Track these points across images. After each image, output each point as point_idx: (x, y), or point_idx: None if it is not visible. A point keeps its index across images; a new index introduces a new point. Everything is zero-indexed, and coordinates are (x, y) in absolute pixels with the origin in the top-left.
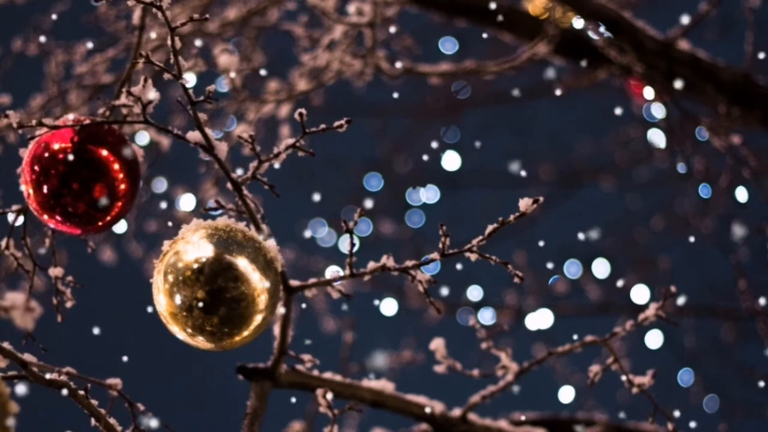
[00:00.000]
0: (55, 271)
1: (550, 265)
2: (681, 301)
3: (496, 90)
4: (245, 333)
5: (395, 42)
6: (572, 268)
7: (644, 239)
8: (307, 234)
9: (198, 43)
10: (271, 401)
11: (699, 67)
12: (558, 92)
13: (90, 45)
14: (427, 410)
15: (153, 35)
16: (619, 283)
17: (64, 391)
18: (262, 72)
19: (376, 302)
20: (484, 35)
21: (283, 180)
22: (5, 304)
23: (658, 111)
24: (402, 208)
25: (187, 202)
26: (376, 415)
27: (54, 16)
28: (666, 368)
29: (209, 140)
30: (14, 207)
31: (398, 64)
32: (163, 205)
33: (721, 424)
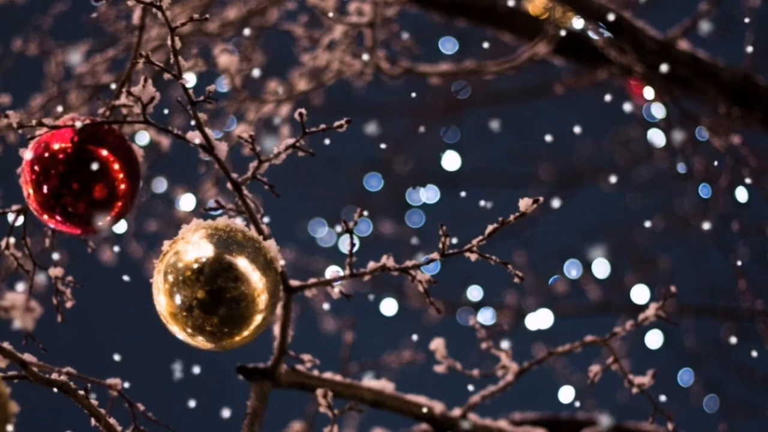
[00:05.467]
0: (55, 271)
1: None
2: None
3: (496, 90)
4: (245, 333)
5: (395, 42)
6: (572, 268)
7: (644, 239)
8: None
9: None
10: (271, 401)
11: (699, 67)
12: (560, 88)
13: (85, 47)
14: (425, 410)
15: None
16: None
17: (64, 391)
18: (257, 72)
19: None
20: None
21: (283, 180)
22: (5, 304)
23: (658, 111)
24: (402, 208)
25: (187, 202)
26: (376, 415)
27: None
28: (666, 368)
29: (209, 140)
30: (14, 207)
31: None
32: (164, 205)
33: (721, 424)
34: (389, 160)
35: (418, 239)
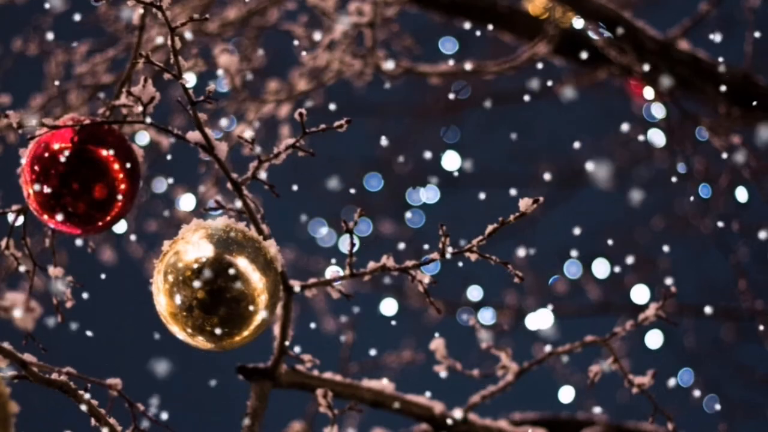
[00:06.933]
0: (55, 271)
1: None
2: None
3: (496, 90)
4: (245, 333)
5: (395, 42)
6: (572, 268)
7: (644, 239)
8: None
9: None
10: (271, 401)
11: (699, 67)
12: (561, 89)
13: (85, 47)
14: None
15: (157, 36)
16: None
17: (64, 391)
18: (253, 75)
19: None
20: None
21: (283, 180)
22: (5, 304)
23: (658, 111)
24: (402, 208)
25: (187, 202)
26: (376, 415)
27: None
28: (666, 368)
29: (209, 140)
30: (14, 207)
31: (391, 64)
32: (164, 205)
33: (721, 424)
34: (389, 160)
35: (418, 239)
